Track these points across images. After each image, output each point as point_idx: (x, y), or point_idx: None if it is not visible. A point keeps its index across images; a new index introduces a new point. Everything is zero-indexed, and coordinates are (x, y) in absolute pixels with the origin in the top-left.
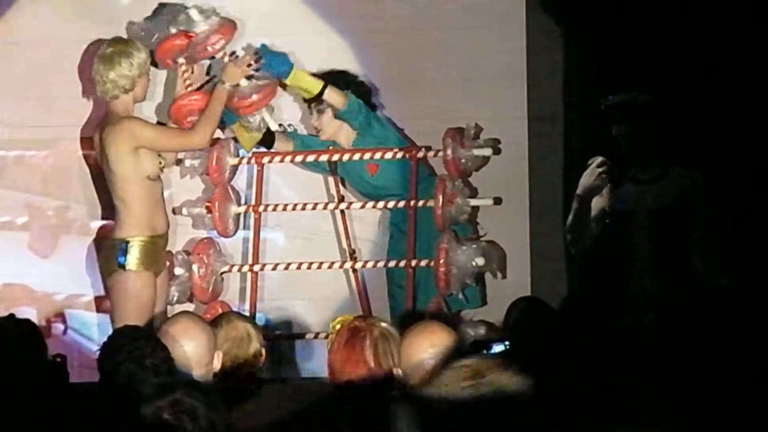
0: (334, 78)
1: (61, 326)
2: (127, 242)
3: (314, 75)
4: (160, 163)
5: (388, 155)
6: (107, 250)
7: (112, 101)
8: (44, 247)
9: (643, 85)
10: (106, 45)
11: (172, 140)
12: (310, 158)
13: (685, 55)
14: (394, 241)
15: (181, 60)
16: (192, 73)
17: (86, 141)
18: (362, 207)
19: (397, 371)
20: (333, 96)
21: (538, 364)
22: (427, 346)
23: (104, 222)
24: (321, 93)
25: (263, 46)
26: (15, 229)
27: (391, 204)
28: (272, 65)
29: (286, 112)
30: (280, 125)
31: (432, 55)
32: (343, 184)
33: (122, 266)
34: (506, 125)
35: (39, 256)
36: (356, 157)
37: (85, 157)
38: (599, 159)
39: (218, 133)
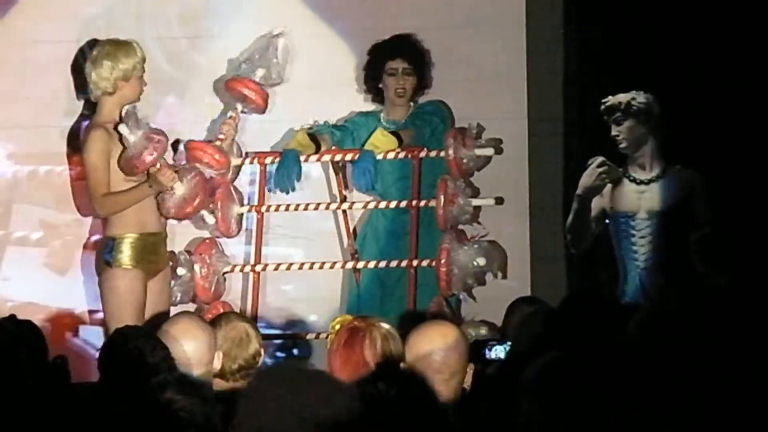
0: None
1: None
2: (114, 239)
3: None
4: None
5: (390, 155)
6: (97, 250)
7: (99, 102)
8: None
9: (643, 85)
10: (98, 45)
11: (90, 182)
12: (313, 158)
13: (685, 55)
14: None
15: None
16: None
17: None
18: (364, 207)
19: (403, 366)
20: (406, 138)
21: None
22: (438, 339)
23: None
24: (400, 140)
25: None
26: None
27: (393, 204)
28: (366, 173)
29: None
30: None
31: (433, 56)
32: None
33: (108, 263)
34: (506, 125)
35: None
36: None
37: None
38: (599, 159)
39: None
